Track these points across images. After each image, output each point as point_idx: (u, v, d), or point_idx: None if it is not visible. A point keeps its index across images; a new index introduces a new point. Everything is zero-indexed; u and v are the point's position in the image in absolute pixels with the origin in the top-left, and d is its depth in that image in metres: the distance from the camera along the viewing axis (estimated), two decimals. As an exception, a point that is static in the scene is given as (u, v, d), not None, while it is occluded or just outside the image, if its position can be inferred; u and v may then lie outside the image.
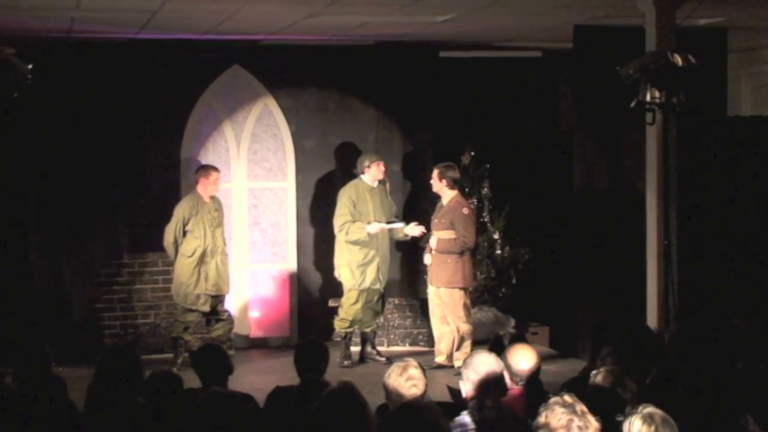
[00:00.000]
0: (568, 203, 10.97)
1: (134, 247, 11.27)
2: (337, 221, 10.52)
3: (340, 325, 10.72)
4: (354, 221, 10.44)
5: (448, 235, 10.21)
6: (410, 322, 11.82)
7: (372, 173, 10.61)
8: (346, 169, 11.56)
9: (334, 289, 11.22)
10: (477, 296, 11.50)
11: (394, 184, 11.28)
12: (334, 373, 7.20)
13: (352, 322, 10.68)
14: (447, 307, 10.25)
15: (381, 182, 10.72)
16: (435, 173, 10.33)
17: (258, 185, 11.69)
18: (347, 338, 10.71)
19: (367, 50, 11.63)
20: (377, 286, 10.65)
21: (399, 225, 10.63)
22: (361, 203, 10.53)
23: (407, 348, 11.67)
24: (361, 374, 9.86)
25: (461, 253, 10.20)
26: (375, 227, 10.45)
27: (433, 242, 10.32)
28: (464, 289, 10.28)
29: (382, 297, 10.91)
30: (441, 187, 10.32)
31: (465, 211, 10.25)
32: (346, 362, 10.61)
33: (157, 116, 11.28)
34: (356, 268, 10.52)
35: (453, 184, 10.30)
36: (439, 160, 10.70)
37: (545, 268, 11.71)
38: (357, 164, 10.77)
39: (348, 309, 10.65)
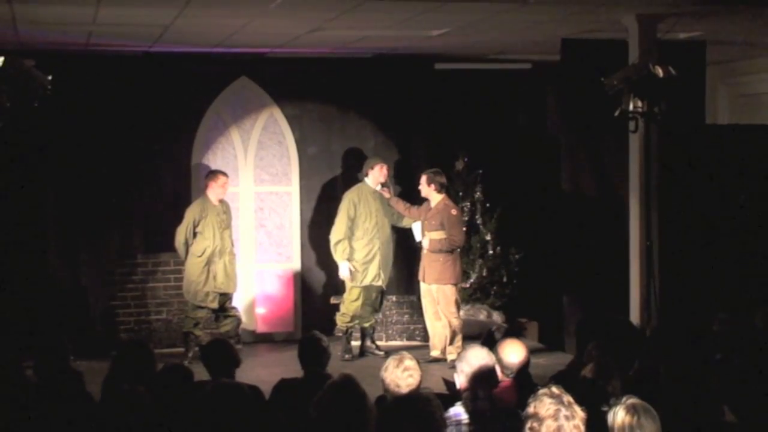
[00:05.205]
0: (556, 206, 10.97)
1: (147, 248, 11.27)
2: (333, 236, 10.59)
3: (341, 320, 10.73)
4: (349, 240, 10.48)
5: (438, 235, 10.23)
6: (407, 318, 11.81)
7: (374, 175, 10.64)
8: (347, 174, 11.58)
9: (336, 287, 11.23)
10: (470, 294, 11.51)
11: (392, 189, 11.28)
12: (336, 366, 7.20)
13: (353, 318, 10.68)
14: (440, 302, 10.26)
15: (383, 185, 10.73)
16: (423, 179, 10.35)
17: (264, 189, 11.69)
18: (348, 333, 10.71)
19: (367, 62, 11.64)
20: (379, 282, 10.66)
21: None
22: (363, 204, 10.56)
23: (404, 342, 11.66)
24: (361, 367, 9.85)
25: (452, 251, 10.22)
26: (345, 270, 10.51)
27: (425, 243, 10.34)
28: (455, 284, 10.30)
29: (382, 294, 10.91)
30: (429, 192, 10.34)
31: (453, 212, 10.29)
32: (347, 356, 10.60)
33: (169, 124, 11.28)
34: (359, 265, 10.54)
35: (440, 188, 10.32)
36: (435, 166, 10.71)
37: (534, 267, 11.71)
38: (362, 167, 10.82)
39: (349, 305, 10.65)
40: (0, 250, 10.62)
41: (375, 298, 10.80)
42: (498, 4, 8.20)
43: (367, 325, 10.85)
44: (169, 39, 9.79)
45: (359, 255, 10.56)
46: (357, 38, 10.02)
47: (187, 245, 10.47)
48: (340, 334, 10.74)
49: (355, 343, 10.84)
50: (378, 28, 9.42)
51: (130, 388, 4.75)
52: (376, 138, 11.80)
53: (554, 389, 3.97)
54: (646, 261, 9.18)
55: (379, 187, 10.70)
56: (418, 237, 10.59)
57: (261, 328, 11.66)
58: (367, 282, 10.60)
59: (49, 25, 8.91)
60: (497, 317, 11.47)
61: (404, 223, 10.80)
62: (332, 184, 11.69)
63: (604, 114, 9.08)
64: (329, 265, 11.21)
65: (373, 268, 10.59)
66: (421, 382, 5.15)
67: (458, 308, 10.40)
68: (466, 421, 4.96)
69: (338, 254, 10.58)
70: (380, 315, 11.24)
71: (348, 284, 10.67)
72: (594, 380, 5.20)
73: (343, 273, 10.59)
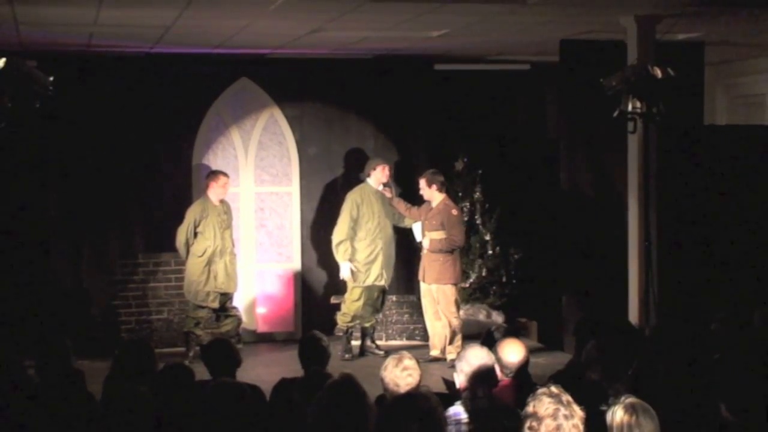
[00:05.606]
0: (555, 206, 10.97)
1: (148, 248, 11.27)
2: (336, 237, 10.59)
3: (342, 319, 10.72)
4: (351, 240, 10.49)
5: (439, 235, 10.23)
6: (407, 318, 11.81)
7: (376, 176, 10.64)
8: (347, 175, 11.58)
9: (336, 286, 11.23)
10: (469, 294, 11.51)
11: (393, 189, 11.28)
12: (336, 366, 7.21)
13: (354, 318, 10.68)
14: (440, 302, 10.26)
15: (385, 185, 10.74)
16: (423, 181, 10.34)
17: (264, 190, 11.69)
18: (348, 333, 10.71)
19: (367, 63, 11.64)
20: (381, 282, 10.66)
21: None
22: (365, 205, 10.57)
23: (404, 342, 11.65)
24: (362, 367, 9.85)
25: (452, 251, 10.22)
26: (346, 270, 10.52)
27: (426, 243, 10.34)
28: (455, 284, 10.30)
29: (383, 294, 10.91)
30: (432, 193, 10.33)
31: (454, 212, 10.30)
32: (347, 355, 10.61)
33: (170, 125, 11.28)
34: (362, 266, 10.54)
35: (441, 187, 10.32)
36: (435, 166, 10.72)
37: (533, 267, 11.71)
38: (365, 168, 10.82)
39: (350, 305, 10.66)
40: (2, 250, 10.63)
41: (377, 298, 10.80)
42: (497, 5, 8.21)
43: (367, 324, 10.86)
44: (170, 40, 9.80)
45: (362, 255, 10.56)
46: (357, 39, 10.02)
47: (187, 245, 10.47)
48: (341, 334, 10.74)
49: (355, 343, 10.84)
50: (378, 29, 9.42)
51: (131, 387, 4.75)
52: (377, 139, 11.80)
53: (553, 388, 3.97)
54: (645, 261, 9.18)
55: (381, 188, 10.70)
56: (418, 237, 10.59)
57: (261, 327, 11.66)
58: (369, 282, 10.60)
59: (51, 26, 8.91)
60: (497, 317, 11.47)
61: (405, 223, 10.80)
62: (333, 184, 11.70)
63: (602, 115, 9.09)
64: (330, 265, 11.21)
65: (376, 268, 10.59)
66: (420, 381, 5.14)
67: (458, 308, 10.41)
68: (466, 420, 4.96)
69: (340, 255, 10.58)
70: (381, 315, 11.24)
71: (350, 284, 10.67)
72: (599, 382, 5.21)
73: (344, 273, 10.60)
